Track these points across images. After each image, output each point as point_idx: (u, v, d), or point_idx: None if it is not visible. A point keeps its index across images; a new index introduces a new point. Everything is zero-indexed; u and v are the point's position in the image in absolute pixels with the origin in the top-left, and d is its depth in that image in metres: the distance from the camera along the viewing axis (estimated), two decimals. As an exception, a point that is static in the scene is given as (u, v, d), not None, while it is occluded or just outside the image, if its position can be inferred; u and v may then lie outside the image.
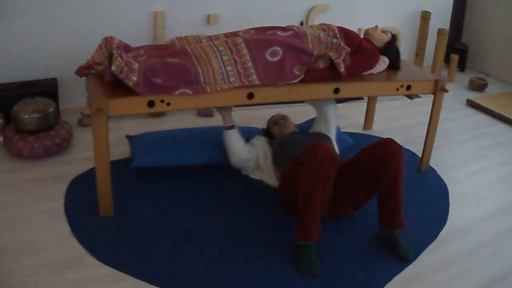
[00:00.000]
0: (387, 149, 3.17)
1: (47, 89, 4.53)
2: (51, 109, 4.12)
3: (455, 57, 6.60)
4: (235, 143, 3.84)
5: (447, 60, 6.85)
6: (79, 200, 3.56)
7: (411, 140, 4.81)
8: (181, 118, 4.99)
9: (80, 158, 4.11)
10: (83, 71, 3.59)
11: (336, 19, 5.19)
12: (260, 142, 3.99)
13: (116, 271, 2.94)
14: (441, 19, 6.85)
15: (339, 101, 4.30)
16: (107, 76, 3.27)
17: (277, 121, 4.18)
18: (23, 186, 3.71)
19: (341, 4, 5.91)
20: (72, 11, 4.59)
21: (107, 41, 3.57)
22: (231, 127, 3.83)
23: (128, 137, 4.20)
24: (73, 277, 2.88)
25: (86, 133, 4.46)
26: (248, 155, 3.89)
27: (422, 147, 4.27)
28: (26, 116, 4.00)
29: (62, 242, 3.15)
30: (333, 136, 4.09)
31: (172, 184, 3.83)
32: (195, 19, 5.18)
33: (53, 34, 4.60)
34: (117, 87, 3.25)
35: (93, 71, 3.56)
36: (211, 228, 3.36)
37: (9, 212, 3.40)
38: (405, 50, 6.49)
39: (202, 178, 3.93)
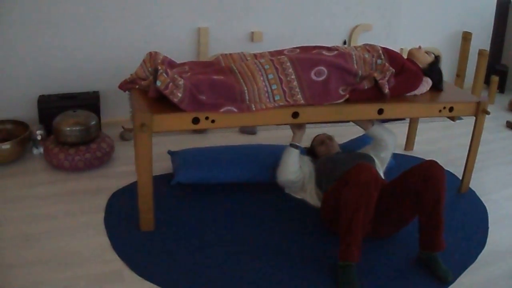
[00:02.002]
0: (430, 171, 3.14)
1: (89, 102, 4.58)
2: (93, 122, 4.15)
3: (495, 79, 6.53)
4: (292, 163, 3.81)
5: (487, 81, 6.77)
6: (120, 214, 3.58)
7: (451, 161, 4.74)
8: (223, 135, 5.00)
9: (121, 172, 4.14)
10: (127, 85, 3.62)
11: (379, 39, 5.17)
12: (305, 162, 3.95)
13: (155, 286, 2.93)
14: (482, 40, 6.78)
15: (382, 121, 4.27)
16: (152, 91, 3.28)
17: (323, 141, 4.14)
18: (63, 198, 3.74)
19: (384, 24, 5.90)
20: (115, 26, 4.66)
21: (152, 56, 3.59)
22: (297, 146, 3.83)
23: (170, 152, 4.22)
24: (112, 291, 2.89)
25: (127, 147, 4.48)
26: (297, 178, 3.85)
27: (462, 168, 4.21)
28: (68, 129, 4.04)
29: (101, 255, 3.16)
30: (381, 162, 4.03)
31: (213, 200, 3.83)
32: (238, 36, 5.21)
33: (96, 48, 4.66)
34: (161, 102, 3.26)
35: (137, 86, 3.58)
36: (251, 246, 3.34)
37: (49, 224, 3.43)
38: (446, 70, 6.38)
39: (243, 196, 3.92)
